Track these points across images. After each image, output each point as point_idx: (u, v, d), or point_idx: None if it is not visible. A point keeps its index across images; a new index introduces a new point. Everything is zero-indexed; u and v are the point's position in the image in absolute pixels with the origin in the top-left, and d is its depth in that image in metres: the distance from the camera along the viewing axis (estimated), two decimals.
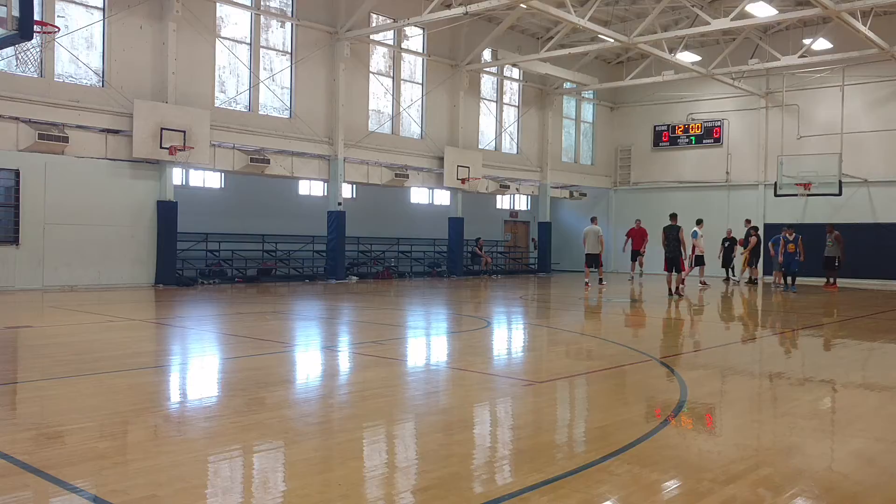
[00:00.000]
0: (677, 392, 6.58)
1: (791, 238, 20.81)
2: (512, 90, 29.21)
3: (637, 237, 25.55)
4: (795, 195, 25.12)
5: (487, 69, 27.09)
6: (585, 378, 7.54)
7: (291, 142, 21.49)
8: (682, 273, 18.65)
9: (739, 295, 19.99)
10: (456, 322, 13.10)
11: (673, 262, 18.14)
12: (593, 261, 22.08)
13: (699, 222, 22.73)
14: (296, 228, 23.90)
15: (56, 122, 17.02)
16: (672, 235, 18.19)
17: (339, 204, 22.67)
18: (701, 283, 22.63)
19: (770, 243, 22.29)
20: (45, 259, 17.28)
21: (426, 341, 10.48)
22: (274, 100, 21.37)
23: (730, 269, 24.83)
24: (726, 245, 24.73)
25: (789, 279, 21.22)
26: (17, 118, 16.47)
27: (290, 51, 21.61)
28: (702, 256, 22.64)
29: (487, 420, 5.84)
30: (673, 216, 18.55)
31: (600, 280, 22.58)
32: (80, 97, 17.39)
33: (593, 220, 23.09)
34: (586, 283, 21.74)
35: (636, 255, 25.46)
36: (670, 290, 18.08)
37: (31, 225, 17.12)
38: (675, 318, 14.35)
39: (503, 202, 32.79)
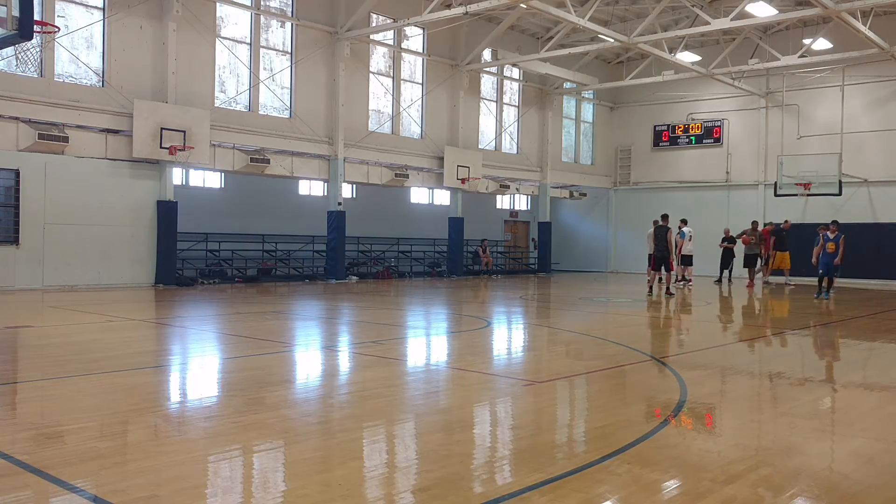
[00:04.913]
0: (677, 392, 6.58)
1: (833, 237, 17.77)
2: (512, 90, 29.20)
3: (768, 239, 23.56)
4: (795, 195, 25.10)
5: (487, 69, 27.08)
6: (585, 378, 7.54)
7: (291, 142, 21.49)
8: (672, 272, 19.00)
9: (728, 295, 19.98)
10: (456, 322, 13.10)
11: (662, 261, 18.51)
12: (687, 260, 22.29)
13: (684, 222, 22.60)
14: (296, 228, 23.90)
15: (56, 122, 17.02)
16: (661, 235, 18.51)
17: (339, 204, 22.67)
18: (683, 280, 22.52)
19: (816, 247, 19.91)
20: (45, 259, 17.28)
21: (426, 341, 10.47)
22: (274, 100, 21.37)
23: (727, 271, 24.36)
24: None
25: (824, 283, 18.20)
26: (17, 118, 16.47)
27: (290, 51, 21.61)
28: (689, 256, 22.38)
29: (487, 420, 5.84)
30: (664, 217, 18.82)
31: (681, 280, 22.37)
32: (80, 97, 17.39)
33: (683, 221, 22.59)
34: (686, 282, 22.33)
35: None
36: (650, 288, 18.63)
37: (31, 225, 17.11)
38: (672, 318, 14.35)
39: (503, 202, 32.79)
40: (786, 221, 24.05)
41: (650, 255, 21.88)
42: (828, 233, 17.87)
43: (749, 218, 26.14)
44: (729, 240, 23.98)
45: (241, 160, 20.55)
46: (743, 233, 23.59)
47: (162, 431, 5.10)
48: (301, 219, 24.10)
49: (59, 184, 17.40)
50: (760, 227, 24.23)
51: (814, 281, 18.82)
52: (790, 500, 3.89)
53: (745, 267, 22.85)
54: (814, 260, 18.44)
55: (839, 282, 21.16)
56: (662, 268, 18.66)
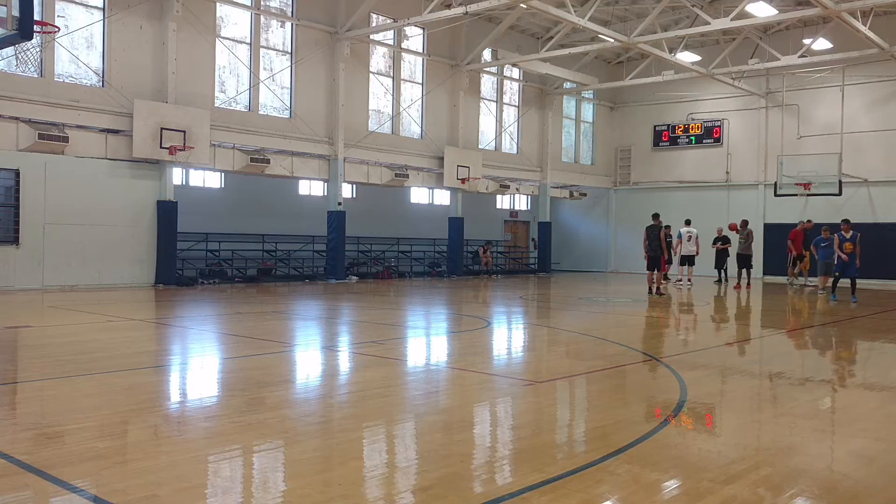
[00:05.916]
0: (677, 392, 6.57)
1: (849, 236, 16.81)
2: (512, 90, 29.20)
3: (800, 240, 23.07)
4: (795, 195, 25.08)
5: (487, 69, 27.08)
6: (585, 378, 7.53)
7: (291, 142, 21.49)
8: (661, 272, 18.72)
9: (727, 295, 19.97)
10: (456, 322, 13.10)
11: (654, 260, 18.42)
12: (688, 261, 22.26)
13: (687, 222, 22.71)
14: (296, 228, 23.91)
15: (56, 122, 17.02)
16: (654, 235, 18.42)
17: (339, 204, 22.67)
18: (677, 281, 22.51)
19: (812, 246, 19.71)
20: (45, 259, 17.28)
21: (426, 341, 10.48)
22: (274, 100, 21.37)
23: (723, 271, 24.31)
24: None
25: (838, 284, 17.44)
26: (17, 118, 16.47)
27: (290, 51, 21.61)
28: (691, 257, 22.33)
29: (487, 420, 5.84)
30: (655, 216, 18.75)
31: (681, 280, 22.27)
32: (80, 97, 17.39)
33: (686, 222, 22.74)
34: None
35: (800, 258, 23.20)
36: (650, 288, 18.39)
37: (31, 225, 17.11)
38: (672, 318, 14.35)
39: (503, 202, 32.79)
40: (808, 221, 23.86)
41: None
42: (842, 232, 17.07)
43: (749, 218, 26.10)
44: (722, 240, 23.90)
45: (241, 160, 20.55)
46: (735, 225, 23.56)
47: (162, 431, 5.10)
48: (301, 219, 24.10)
49: (59, 184, 17.39)
50: (751, 226, 24.26)
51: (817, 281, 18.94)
52: (790, 500, 3.89)
53: (739, 268, 22.77)
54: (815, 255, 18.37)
55: (839, 282, 21.06)
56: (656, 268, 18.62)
